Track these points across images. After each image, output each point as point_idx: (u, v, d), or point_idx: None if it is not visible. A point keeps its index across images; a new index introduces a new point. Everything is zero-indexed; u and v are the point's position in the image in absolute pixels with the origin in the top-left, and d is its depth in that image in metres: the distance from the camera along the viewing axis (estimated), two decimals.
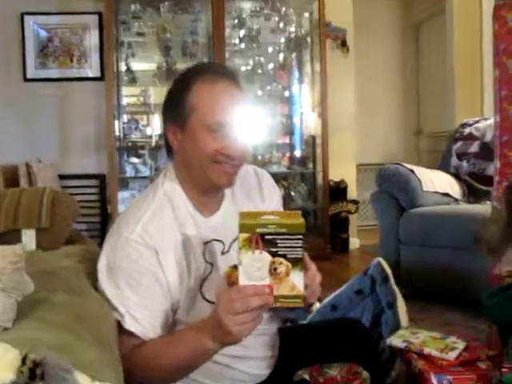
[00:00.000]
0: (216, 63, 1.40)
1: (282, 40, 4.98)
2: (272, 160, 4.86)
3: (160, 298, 1.21)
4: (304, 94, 4.98)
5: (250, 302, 1.00)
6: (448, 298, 3.08)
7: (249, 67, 4.92)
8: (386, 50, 6.60)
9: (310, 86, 4.88)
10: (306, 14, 4.90)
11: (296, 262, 1.00)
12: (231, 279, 1.07)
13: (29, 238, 1.49)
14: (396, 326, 1.91)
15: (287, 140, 5.10)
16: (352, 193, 5.04)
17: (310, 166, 4.93)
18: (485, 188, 3.43)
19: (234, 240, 1.21)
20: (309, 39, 4.89)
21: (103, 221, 4.51)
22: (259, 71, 4.88)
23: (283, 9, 4.84)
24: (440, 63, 5.92)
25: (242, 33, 4.82)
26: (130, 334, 1.19)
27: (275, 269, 1.00)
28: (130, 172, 4.58)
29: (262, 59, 4.88)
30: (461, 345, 1.63)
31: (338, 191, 4.88)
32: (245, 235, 0.99)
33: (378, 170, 3.61)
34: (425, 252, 3.23)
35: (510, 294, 1.66)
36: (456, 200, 3.50)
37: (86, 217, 4.36)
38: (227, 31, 4.64)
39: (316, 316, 2.11)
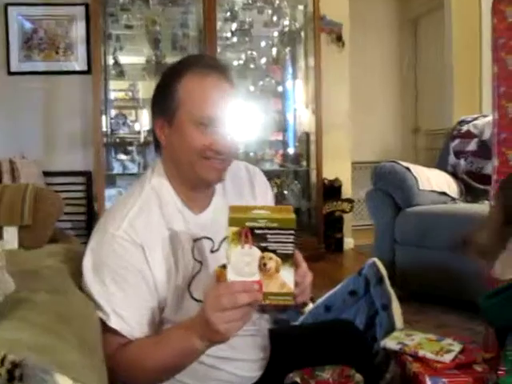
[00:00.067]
0: (207, 56, 1.40)
1: (276, 34, 4.98)
2: (264, 157, 4.86)
3: (146, 295, 1.21)
4: (298, 90, 4.98)
5: (238, 299, 0.99)
6: (444, 300, 3.09)
7: (241, 61, 4.91)
8: (383, 45, 6.61)
9: (303, 82, 4.88)
10: (301, 7, 4.89)
11: (286, 258, 1.00)
12: (221, 279, 1.07)
13: (10, 235, 1.48)
14: (391, 328, 1.91)
15: (280, 137, 5.10)
16: (347, 191, 5.05)
17: (304, 163, 4.93)
18: (482, 187, 3.44)
19: (224, 238, 1.21)
20: (303, 33, 4.90)
21: (89, 219, 4.49)
22: (251, 66, 4.88)
23: (277, 1, 4.84)
24: (438, 59, 5.94)
25: (234, 26, 4.81)
26: (115, 332, 1.19)
27: (265, 264, 0.99)
28: (117, 169, 4.57)
29: (255, 53, 4.88)
30: (457, 347, 1.63)
31: (332, 190, 4.89)
32: (234, 229, 0.99)
33: (373, 168, 3.62)
34: (421, 252, 3.24)
35: (507, 296, 1.66)
36: (453, 199, 3.51)
37: (72, 215, 4.35)
38: (219, 24, 4.63)
39: (309, 317, 2.12)
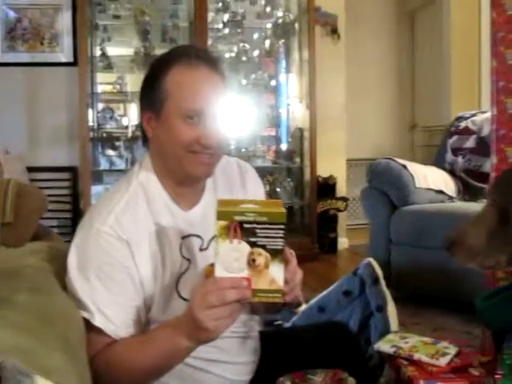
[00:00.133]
0: (197, 47, 1.39)
1: (269, 25, 4.97)
2: (256, 153, 4.86)
3: (132, 293, 1.21)
4: (291, 84, 4.98)
5: (227, 295, 0.99)
6: (440, 301, 3.10)
7: (233, 54, 4.91)
8: (379, 38, 6.62)
9: (297, 75, 4.88)
10: None
11: (276, 254, 1.00)
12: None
13: None
14: (385, 331, 1.92)
15: (273, 132, 5.09)
16: (341, 189, 5.05)
17: (297, 160, 4.93)
18: (481, 185, 3.46)
19: (214, 237, 1.21)
20: (297, 25, 4.89)
21: (75, 217, 4.47)
22: (244, 58, 4.88)
23: None
24: (436, 53, 5.95)
25: (225, 17, 4.80)
26: (100, 331, 1.18)
27: (254, 260, 0.99)
28: (104, 165, 4.56)
29: (247, 46, 4.88)
30: (452, 350, 1.63)
31: (326, 187, 4.89)
32: (222, 223, 0.99)
33: (368, 166, 3.62)
34: (417, 252, 3.25)
35: (504, 297, 1.67)
36: (451, 198, 3.52)
37: (57, 212, 4.33)
38: (210, 15, 4.62)
39: (302, 318, 2.12)
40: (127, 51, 4.67)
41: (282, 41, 5.04)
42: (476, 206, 3.12)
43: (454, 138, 3.79)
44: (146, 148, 1.35)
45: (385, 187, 3.45)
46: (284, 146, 5.02)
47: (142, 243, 1.22)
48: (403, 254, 3.33)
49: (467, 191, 3.60)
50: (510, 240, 1.35)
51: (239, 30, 4.86)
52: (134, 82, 4.65)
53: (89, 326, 1.17)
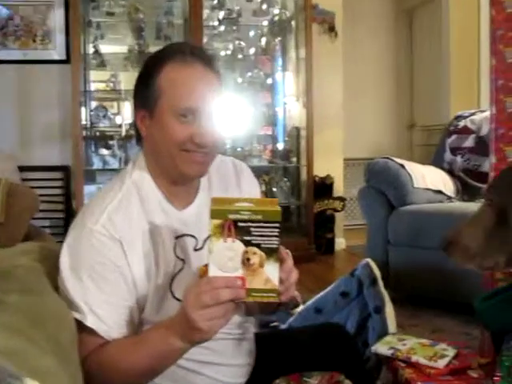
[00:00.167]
0: (191, 44, 1.38)
1: (265, 23, 4.98)
2: (252, 153, 4.87)
3: (125, 293, 1.21)
4: (288, 82, 4.98)
5: (220, 295, 0.99)
6: (439, 302, 3.11)
7: (228, 52, 4.91)
8: (377, 36, 6.63)
9: (294, 74, 4.89)
10: None
11: (271, 253, 1.00)
12: None
13: None
14: (383, 332, 1.92)
15: (269, 131, 5.10)
16: (338, 189, 5.06)
17: (294, 159, 4.94)
18: (480, 185, 3.46)
19: (208, 237, 1.21)
20: (294, 22, 4.90)
21: (67, 217, 4.46)
22: (239, 56, 4.88)
23: None
24: (434, 51, 5.96)
25: (221, 14, 4.80)
26: (92, 332, 1.18)
27: (248, 259, 0.99)
28: (97, 164, 4.55)
29: (243, 43, 4.88)
30: (451, 352, 1.64)
31: (323, 187, 4.90)
32: (216, 222, 0.99)
33: (366, 165, 3.63)
34: (415, 253, 3.25)
35: (503, 298, 1.67)
36: (449, 198, 3.53)
37: (49, 212, 4.32)
38: (205, 12, 4.62)
39: (298, 319, 2.12)
40: (121, 49, 4.67)
41: (279, 38, 5.04)
42: (475, 207, 3.08)
43: (453, 137, 3.80)
44: (140, 147, 1.35)
45: (382, 187, 3.45)
46: (280, 145, 5.02)
47: (135, 242, 1.22)
48: (401, 254, 3.34)
49: (466, 191, 3.60)
50: (508, 240, 1.35)
51: (235, 28, 4.86)
52: (127, 80, 4.65)
53: (81, 327, 1.17)
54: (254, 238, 0.99)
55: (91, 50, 4.57)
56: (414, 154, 6.40)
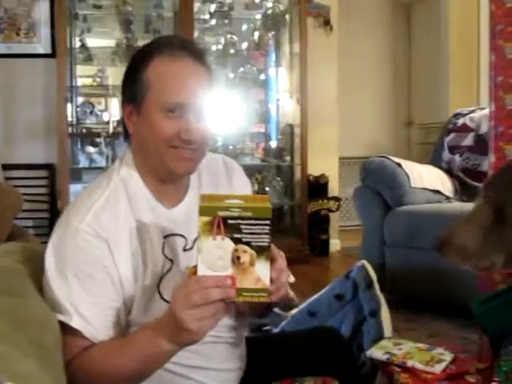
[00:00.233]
0: (181, 38, 1.38)
1: (258, 17, 4.98)
2: (244, 151, 4.86)
3: (111, 294, 1.20)
4: (281, 78, 4.98)
5: (210, 294, 0.99)
6: (436, 305, 3.12)
7: (220, 46, 4.90)
8: (374, 31, 6.64)
9: (288, 69, 4.89)
10: None
11: (262, 251, 1.00)
12: None
13: None
14: (379, 337, 1.92)
15: (262, 129, 5.10)
16: (333, 189, 5.06)
17: (287, 158, 4.94)
18: (479, 185, 3.46)
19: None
20: (288, 16, 4.90)
21: (52, 217, 4.45)
22: (231, 51, 4.88)
23: None
24: (433, 46, 5.98)
25: (212, 7, 4.80)
26: (77, 334, 1.17)
27: (238, 258, 0.99)
28: (83, 162, 4.54)
29: (235, 38, 4.88)
30: (448, 357, 1.64)
31: (317, 187, 4.90)
32: (205, 219, 0.98)
33: (362, 164, 3.63)
34: (411, 255, 3.26)
35: (502, 301, 1.68)
36: (447, 198, 3.54)
37: (33, 212, 4.30)
38: (196, 5, 4.61)
39: (291, 323, 2.12)
40: (108, 43, 4.66)
41: (272, 33, 5.03)
42: None
43: (452, 135, 3.81)
44: (128, 144, 1.35)
45: (378, 187, 3.45)
46: (273, 143, 5.02)
47: (122, 242, 1.22)
48: (397, 256, 3.34)
49: (465, 191, 3.61)
50: (506, 239, 1.35)
51: (227, 21, 4.85)
52: (115, 75, 4.64)
53: (65, 329, 1.16)
54: (244, 235, 0.99)
55: (77, 43, 4.55)
56: (412, 153, 6.42)
